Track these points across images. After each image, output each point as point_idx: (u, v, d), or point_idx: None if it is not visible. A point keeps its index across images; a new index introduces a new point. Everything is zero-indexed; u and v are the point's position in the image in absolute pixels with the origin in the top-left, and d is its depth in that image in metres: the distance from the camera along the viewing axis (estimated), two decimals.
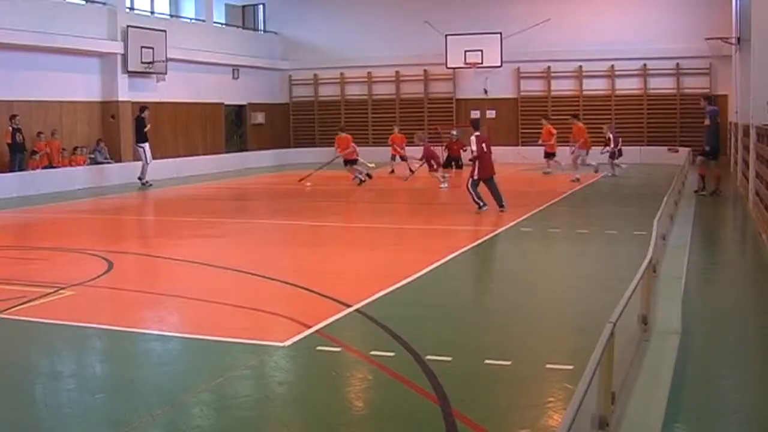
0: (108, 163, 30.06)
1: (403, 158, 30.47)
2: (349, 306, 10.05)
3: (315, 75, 41.37)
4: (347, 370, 8.04)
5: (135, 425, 6.56)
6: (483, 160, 19.00)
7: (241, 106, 39.32)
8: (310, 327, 9.11)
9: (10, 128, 26.24)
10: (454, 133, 33.90)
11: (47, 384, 7.93)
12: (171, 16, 36.84)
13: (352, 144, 28.08)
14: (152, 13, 35.33)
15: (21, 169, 26.61)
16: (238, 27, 40.88)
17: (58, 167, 28.06)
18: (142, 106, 29.18)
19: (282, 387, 7.63)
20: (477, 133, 19.24)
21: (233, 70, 38.44)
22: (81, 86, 30.24)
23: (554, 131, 29.89)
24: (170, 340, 9.07)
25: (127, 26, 31.44)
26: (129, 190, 27.26)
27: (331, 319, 9.47)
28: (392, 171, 31.19)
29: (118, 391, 7.58)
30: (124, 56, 31.33)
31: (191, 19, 37.78)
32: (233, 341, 8.74)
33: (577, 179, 26.24)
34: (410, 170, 29.13)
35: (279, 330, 9.18)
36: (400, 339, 8.60)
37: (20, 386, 7.80)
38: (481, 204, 18.88)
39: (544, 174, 30.00)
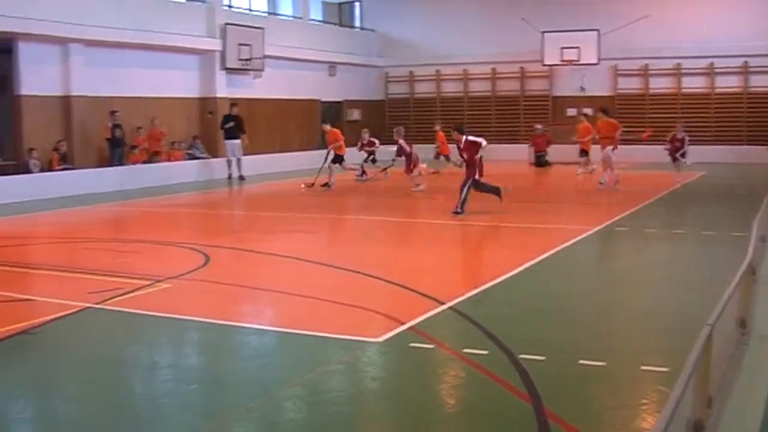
0: (205, 158, 30.48)
1: (447, 157, 29.71)
2: (442, 303, 10.02)
3: (411, 72, 41.37)
4: (440, 367, 8.03)
5: (229, 417, 6.65)
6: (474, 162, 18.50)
7: (337, 103, 39.52)
8: (403, 323, 9.11)
9: (110, 124, 26.80)
10: (539, 127, 33.54)
11: (144, 374, 8.09)
12: (268, 13, 37.18)
13: (341, 140, 27.01)
14: (250, 10, 35.69)
15: (120, 164, 27.16)
16: (334, 24, 41.09)
17: (159, 162, 28.58)
18: (233, 103, 29.57)
19: (375, 383, 7.65)
20: (465, 137, 18.61)
21: (330, 67, 38.65)
22: (180, 83, 30.75)
23: (593, 130, 27.13)
24: (265, 334, 9.17)
25: (225, 24, 31.84)
26: (225, 185, 27.60)
27: (424, 316, 9.46)
28: (436, 171, 29.95)
29: (213, 382, 7.69)
30: (222, 53, 31.75)
31: (288, 16, 38.09)
32: (327, 336, 8.79)
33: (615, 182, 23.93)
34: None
35: (373, 326, 9.21)
36: (493, 337, 8.55)
37: (118, 376, 7.96)
38: (461, 211, 18.06)
39: (577, 176, 28.46)
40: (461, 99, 40.46)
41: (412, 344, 8.43)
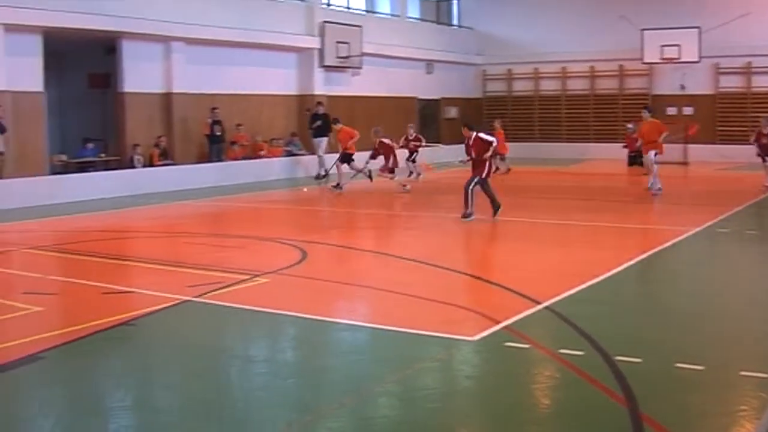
0: (302, 155, 30.76)
1: (503, 156, 29.00)
2: (538, 303, 9.97)
3: (509, 70, 41.14)
4: (535, 367, 7.99)
5: (323, 411, 6.72)
6: (482, 160, 17.69)
7: (434, 101, 39.50)
8: (498, 322, 9.08)
9: (210, 120, 27.24)
10: (630, 126, 33.10)
11: (241, 367, 8.22)
12: (366, 11, 37.32)
13: (356, 137, 25.51)
14: (348, 8, 35.88)
15: (219, 160, 27.58)
16: (432, 22, 41.06)
17: (258, 158, 28.97)
18: (319, 102, 29.73)
19: (469, 381, 7.65)
20: (476, 132, 17.81)
21: (427, 64, 38.67)
22: (279, 80, 31.11)
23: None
24: (360, 330, 9.23)
25: (324, 22, 32.10)
26: (321, 182, 27.77)
27: (520, 316, 9.42)
28: (497, 169, 28.00)
29: (308, 377, 7.78)
30: (321, 51, 32.01)
31: (386, 14, 38.19)
32: (422, 333, 8.80)
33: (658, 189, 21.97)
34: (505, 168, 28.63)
35: (468, 324, 9.20)
36: (589, 338, 8.48)
37: (215, 368, 8.10)
38: (471, 213, 17.41)
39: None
40: (559, 97, 40.10)
41: (507, 343, 8.40)
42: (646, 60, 36.85)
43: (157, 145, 26.18)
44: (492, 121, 30.88)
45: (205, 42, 27.49)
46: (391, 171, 24.50)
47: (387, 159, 24.63)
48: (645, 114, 23.12)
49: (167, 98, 27.13)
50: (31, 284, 11.92)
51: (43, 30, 23.51)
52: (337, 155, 25.56)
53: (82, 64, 28.32)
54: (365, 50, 33.27)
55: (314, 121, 29.37)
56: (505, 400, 7.03)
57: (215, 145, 27.65)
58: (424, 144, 29.07)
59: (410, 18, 39.02)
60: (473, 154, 17.63)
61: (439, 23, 41.49)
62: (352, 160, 25.21)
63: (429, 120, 39.14)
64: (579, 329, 8.84)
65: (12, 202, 20.97)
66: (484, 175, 17.58)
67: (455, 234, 16.56)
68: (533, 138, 39.58)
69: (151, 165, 25.97)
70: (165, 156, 26.35)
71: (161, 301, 10.41)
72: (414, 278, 11.99)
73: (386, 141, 25.06)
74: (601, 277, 11.54)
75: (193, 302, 10.42)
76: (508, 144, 29.71)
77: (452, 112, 39.97)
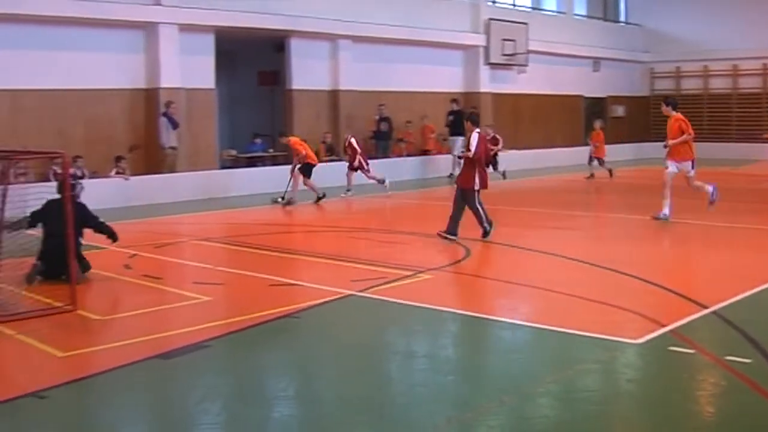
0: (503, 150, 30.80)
1: (601, 161, 27.36)
2: (705, 307, 9.69)
3: (677, 68, 40.19)
4: (699, 373, 7.77)
5: (483, 409, 6.72)
6: (481, 166, 15.16)
7: (600, 99, 38.94)
8: (663, 326, 8.87)
9: (377, 117, 27.55)
10: None
11: (402, 362, 8.29)
12: (532, 8, 37.08)
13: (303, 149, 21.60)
14: (514, 6, 35.72)
15: (385, 156, 27.84)
16: (599, 19, 40.45)
17: (425, 155, 29.20)
18: (453, 99, 29.52)
19: (631, 385, 7.52)
20: (477, 130, 15.20)
21: (593, 62, 38.15)
22: (444, 78, 31.24)
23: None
24: (521, 329, 9.18)
25: (489, 19, 32.06)
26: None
27: (686, 320, 9.18)
28: (591, 175, 27.61)
29: (468, 374, 7.79)
30: (486, 49, 31.99)
31: (552, 11, 37.85)
32: (583, 334, 8.69)
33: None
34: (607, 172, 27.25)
35: (630, 326, 9.03)
36: (757, 345, 8.20)
37: (377, 364, 8.20)
38: (489, 227, 15.01)
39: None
40: (730, 96, 38.91)
41: (672, 348, 8.21)
42: None
43: (323, 141, 26.63)
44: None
45: (371, 40, 27.85)
46: (353, 169, 23.17)
47: (352, 161, 23.20)
48: (665, 108, 17.72)
49: (334, 95, 27.60)
50: (201, 275, 12.32)
51: (215, 29, 24.28)
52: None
53: (252, 62, 29.11)
54: (531, 48, 33.11)
55: (449, 117, 29.10)
56: (667, 406, 6.87)
57: (381, 142, 27.98)
58: (501, 147, 27.33)
59: (577, 15, 38.56)
60: (471, 152, 14.90)
61: (606, 20, 40.83)
62: (311, 171, 21.54)
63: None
64: (747, 336, 8.56)
65: (184, 195, 21.71)
66: (476, 186, 14.90)
67: (618, 234, 16.27)
68: (701, 138, 38.37)
69: (319, 161, 26.41)
70: (331, 152, 26.78)
71: (325, 295, 10.60)
72: (577, 278, 11.85)
73: (353, 142, 23.36)
74: None
75: (357, 296, 10.57)
76: (606, 147, 27.99)
77: (619, 110, 39.35)
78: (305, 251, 14.66)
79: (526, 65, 33.28)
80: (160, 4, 23.00)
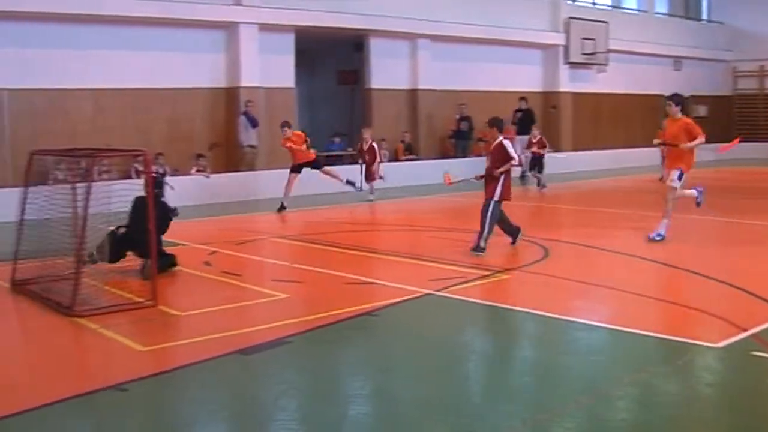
0: (549, 152, 30.61)
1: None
2: None
3: (761, 67, 39.46)
4: None
5: (559, 411, 6.69)
6: (509, 176, 13.87)
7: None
8: (745, 330, 8.71)
9: (457, 116, 27.54)
10: None
11: (479, 362, 8.31)
12: (612, 7, 36.73)
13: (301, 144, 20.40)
14: (594, 4, 35.42)
15: (464, 156, 27.80)
16: (680, 17, 39.89)
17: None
18: (522, 96, 29.18)
19: (710, 389, 7.41)
20: (501, 137, 13.96)
21: (674, 61, 37.65)
22: (523, 77, 31.11)
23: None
24: (598, 330, 9.11)
25: (569, 18, 31.85)
26: (568, 179, 27.52)
27: None
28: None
29: (544, 375, 7.75)
30: (566, 48, 31.79)
31: (633, 10, 37.45)
32: (661, 337, 8.61)
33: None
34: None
35: (710, 330, 8.92)
36: None
37: (454, 363, 8.20)
38: (484, 246, 13.48)
39: None
40: None
41: (754, 353, 8.06)
42: None
43: (402, 141, 26.70)
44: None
45: (450, 39, 27.87)
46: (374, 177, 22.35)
47: (372, 162, 22.38)
48: (671, 107, 14.94)
49: (413, 94, 27.68)
50: (279, 272, 12.48)
51: (295, 29, 24.50)
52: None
53: (331, 61, 29.31)
54: (611, 47, 32.80)
55: (517, 115, 28.74)
56: (748, 413, 6.76)
57: (461, 141, 27.97)
58: (548, 150, 25.95)
59: (658, 13, 38.08)
60: (488, 163, 14.05)
61: (687, 18, 40.25)
62: (300, 171, 20.48)
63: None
64: None
65: (264, 193, 21.94)
66: (498, 197, 13.66)
67: (695, 236, 16.01)
68: None
69: (396, 159, 26.50)
70: (410, 151, 26.84)
71: (403, 294, 10.64)
72: (654, 280, 11.74)
73: (375, 144, 22.69)
74: None
75: (434, 296, 10.59)
76: None
77: (701, 110, 38.72)
78: (382, 250, 14.73)
79: (606, 64, 33.00)
80: (240, 5, 23.28)
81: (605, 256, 13.76)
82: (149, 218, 10.38)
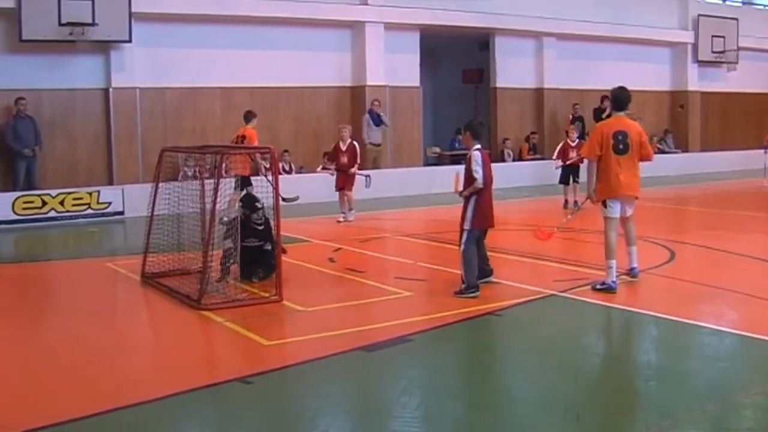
0: (674, 152, 30.10)
1: None
2: None
3: None
4: None
5: (683, 417, 6.58)
6: (484, 197, 10.62)
7: None
8: None
9: (570, 117, 27.21)
10: None
11: (603, 365, 8.25)
12: (743, 3, 35.85)
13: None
14: (723, 1, 34.63)
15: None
16: None
17: None
18: (604, 95, 28.46)
19: None
20: (478, 146, 10.69)
21: None
22: (651, 76, 30.60)
23: None
24: (726, 336, 8.92)
25: (698, 15, 31.21)
26: (696, 180, 26.97)
27: None
28: None
29: (669, 380, 7.61)
30: (694, 45, 31.16)
31: (765, 5, 36.48)
32: None
33: None
34: None
35: None
36: None
37: (577, 365, 8.14)
38: (475, 289, 10.51)
39: None
40: None
41: None
42: None
43: (527, 140, 26.58)
44: None
45: (576, 37, 27.62)
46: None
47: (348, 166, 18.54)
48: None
49: (538, 93, 27.53)
50: (402, 270, 12.56)
51: (420, 27, 24.59)
52: None
53: (456, 59, 29.35)
54: (741, 44, 31.99)
55: (597, 115, 27.44)
56: None
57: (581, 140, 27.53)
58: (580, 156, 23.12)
59: None
60: (470, 175, 10.59)
61: None
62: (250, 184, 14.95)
63: None
64: None
65: (390, 191, 22.08)
66: (468, 226, 10.54)
67: None
68: None
69: (521, 159, 26.39)
70: (535, 151, 26.71)
71: (527, 294, 10.64)
72: None
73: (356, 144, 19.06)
74: None
75: (559, 296, 10.55)
76: None
77: None
78: (508, 249, 14.66)
79: (736, 62, 32.21)
80: (367, 4, 23.51)
81: (733, 259, 13.46)
82: (276, 210, 10.61)
